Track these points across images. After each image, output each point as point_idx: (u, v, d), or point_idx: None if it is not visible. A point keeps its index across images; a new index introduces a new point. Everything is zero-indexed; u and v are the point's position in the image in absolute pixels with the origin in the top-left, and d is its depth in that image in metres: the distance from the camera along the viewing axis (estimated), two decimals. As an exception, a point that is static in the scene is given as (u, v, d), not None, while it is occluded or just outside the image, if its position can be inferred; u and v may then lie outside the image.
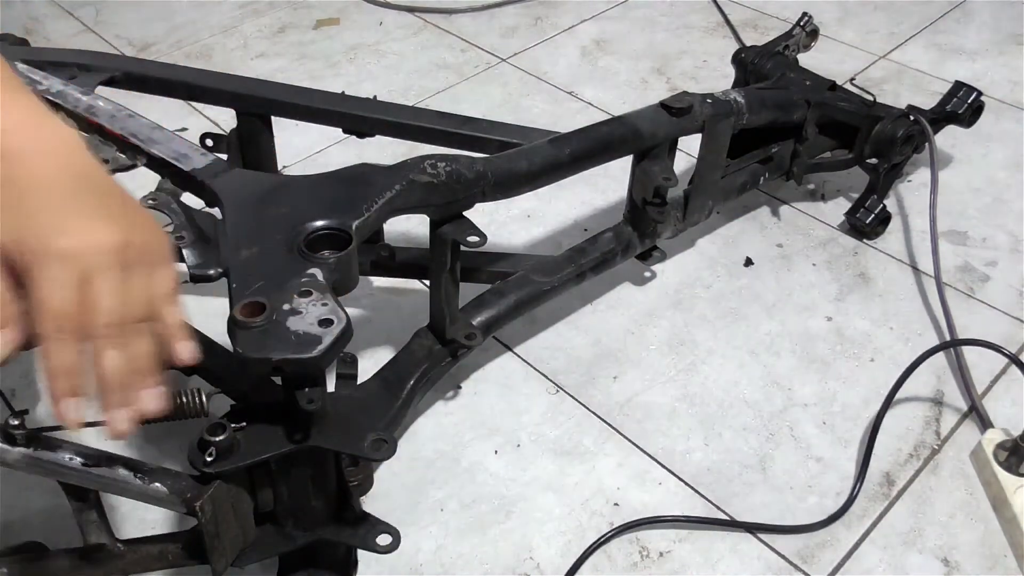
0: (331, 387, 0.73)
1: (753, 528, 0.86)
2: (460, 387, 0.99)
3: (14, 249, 0.45)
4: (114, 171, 0.86)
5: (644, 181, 0.97)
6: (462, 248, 0.83)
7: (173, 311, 0.51)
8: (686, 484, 0.90)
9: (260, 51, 1.57)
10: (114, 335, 0.48)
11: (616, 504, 0.88)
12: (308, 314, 0.60)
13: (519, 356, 1.03)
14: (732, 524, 0.86)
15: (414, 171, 0.78)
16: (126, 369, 0.49)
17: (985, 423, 0.93)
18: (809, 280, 1.12)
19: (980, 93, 1.17)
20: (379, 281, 1.09)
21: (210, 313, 0.82)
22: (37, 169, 0.46)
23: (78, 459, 0.62)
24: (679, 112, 0.96)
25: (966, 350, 1.00)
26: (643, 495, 0.89)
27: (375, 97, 1.03)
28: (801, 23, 1.26)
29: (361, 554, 0.81)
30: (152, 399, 0.51)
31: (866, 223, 1.15)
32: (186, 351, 0.52)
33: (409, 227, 1.04)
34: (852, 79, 1.43)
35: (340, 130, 1.02)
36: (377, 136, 1.00)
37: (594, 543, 0.84)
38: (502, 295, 0.94)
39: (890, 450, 0.92)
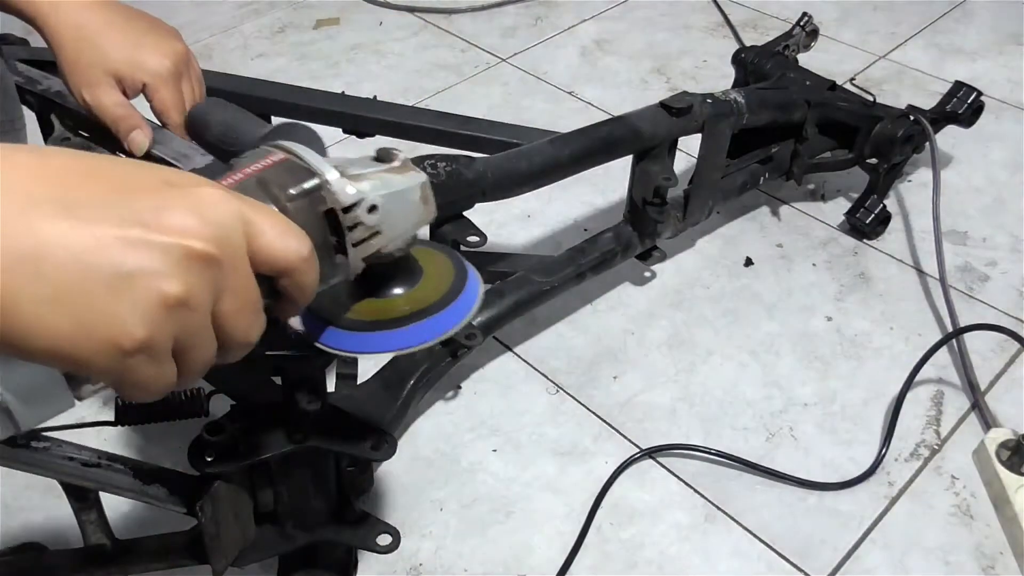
0: (331, 387, 0.73)
1: (782, 477, 0.89)
2: (460, 387, 0.99)
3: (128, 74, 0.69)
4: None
5: (644, 181, 0.97)
6: (462, 248, 0.83)
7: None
8: (686, 484, 0.90)
9: (260, 51, 1.58)
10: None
11: (616, 504, 0.88)
12: (308, 314, 0.60)
13: (519, 356, 1.03)
14: (757, 468, 0.89)
15: (414, 171, 0.78)
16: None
17: (988, 422, 0.93)
18: (809, 280, 1.12)
19: (980, 93, 1.17)
20: (379, 281, 1.09)
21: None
22: None
23: (78, 459, 0.62)
24: (679, 112, 0.96)
25: (969, 349, 1.00)
26: (643, 495, 0.89)
27: (375, 97, 1.03)
28: (801, 23, 1.26)
29: (361, 554, 0.81)
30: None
31: (866, 223, 1.15)
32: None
33: (409, 227, 1.03)
34: (852, 79, 1.43)
35: (340, 130, 1.02)
36: (377, 136, 1.00)
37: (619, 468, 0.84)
38: (502, 295, 0.94)
39: (891, 449, 0.92)
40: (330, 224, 0.43)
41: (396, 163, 0.47)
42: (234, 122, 0.70)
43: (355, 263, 0.45)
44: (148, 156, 0.70)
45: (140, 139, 0.71)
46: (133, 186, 0.34)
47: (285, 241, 0.38)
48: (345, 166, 0.45)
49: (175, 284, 0.33)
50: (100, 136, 0.76)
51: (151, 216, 0.33)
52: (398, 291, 0.51)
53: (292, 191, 0.42)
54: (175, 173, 0.36)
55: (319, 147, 0.59)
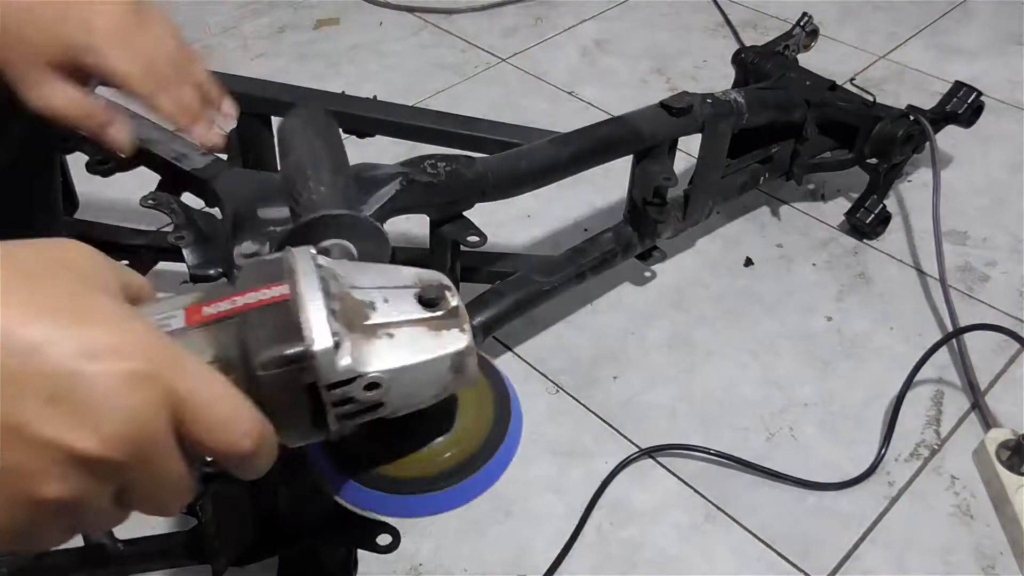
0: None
1: (782, 477, 0.89)
2: (460, 387, 0.99)
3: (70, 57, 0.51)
4: (114, 171, 0.86)
5: (644, 181, 0.97)
6: (462, 248, 0.83)
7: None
8: (686, 484, 0.90)
9: (260, 51, 1.57)
10: (178, 76, 0.56)
11: (616, 504, 0.88)
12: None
13: (519, 356, 1.03)
14: (757, 468, 0.90)
15: (414, 171, 0.78)
16: (199, 97, 0.58)
17: (988, 422, 0.93)
18: (809, 280, 1.12)
19: (980, 93, 1.17)
20: (379, 281, 1.09)
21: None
22: None
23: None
24: (679, 112, 0.96)
25: (969, 349, 1.00)
26: (643, 494, 0.89)
27: (375, 97, 1.03)
28: (801, 23, 1.26)
29: (361, 554, 0.81)
30: (229, 106, 0.61)
31: (866, 223, 1.15)
32: (228, 105, 0.61)
33: (409, 227, 1.04)
34: (852, 79, 1.43)
35: (340, 130, 1.02)
36: (377, 136, 1.00)
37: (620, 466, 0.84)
38: (502, 295, 0.94)
39: (891, 449, 0.92)
40: (312, 395, 0.35)
41: (439, 312, 0.38)
42: (302, 171, 0.58)
43: (341, 432, 0.37)
44: (149, 156, 0.68)
45: (120, 137, 0.56)
46: (21, 376, 0.27)
47: (226, 432, 0.31)
48: (357, 313, 0.36)
49: (53, 487, 0.28)
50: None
51: (32, 415, 0.27)
52: (436, 439, 0.43)
53: (266, 355, 0.34)
54: (92, 341, 0.28)
55: (378, 252, 0.51)
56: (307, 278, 0.35)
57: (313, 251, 0.37)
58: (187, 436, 0.31)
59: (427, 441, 0.44)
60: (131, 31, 0.53)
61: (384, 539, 0.71)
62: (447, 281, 0.40)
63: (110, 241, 0.98)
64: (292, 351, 0.34)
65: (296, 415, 0.35)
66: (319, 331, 0.34)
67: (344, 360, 0.34)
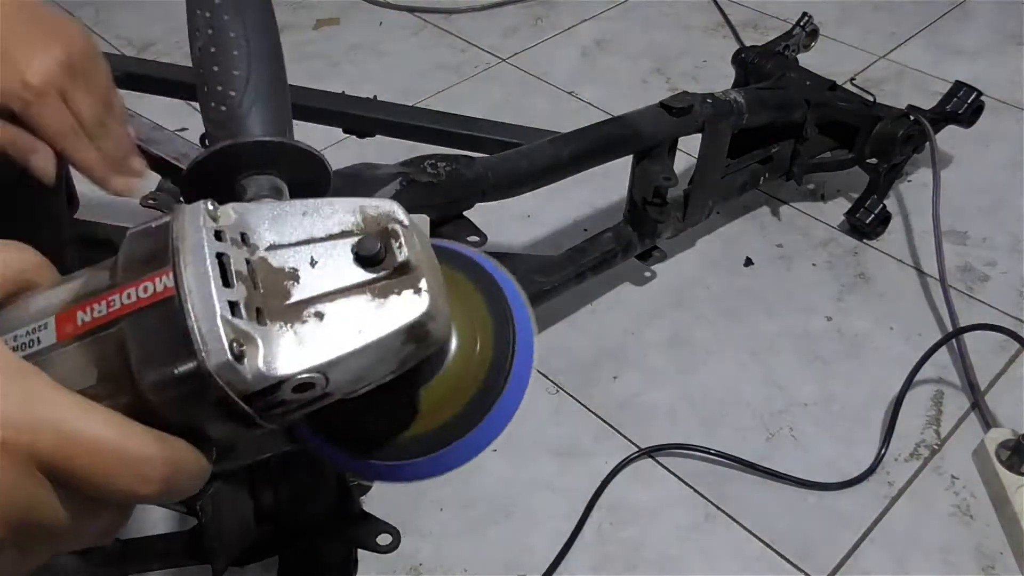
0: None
1: (782, 477, 0.89)
2: (460, 387, 0.99)
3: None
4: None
5: (644, 181, 0.98)
6: (462, 248, 0.83)
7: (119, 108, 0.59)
8: (686, 484, 0.90)
9: (260, 51, 1.57)
10: (100, 132, 0.56)
11: (616, 504, 0.88)
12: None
13: (519, 356, 1.03)
14: (757, 468, 0.89)
15: (414, 171, 0.78)
16: (117, 152, 0.58)
17: (988, 422, 0.93)
18: (809, 280, 1.12)
19: (980, 93, 1.16)
20: (379, 281, 1.09)
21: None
22: None
23: (78, 459, 0.62)
24: (679, 112, 0.96)
25: (969, 349, 1.00)
26: (643, 494, 0.89)
27: (375, 97, 1.03)
28: (801, 23, 1.26)
29: (361, 554, 0.81)
30: (139, 163, 0.61)
31: (866, 223, 1.15)
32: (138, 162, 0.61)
33: (409, 227, 1.04)
34: (852, 79, 1.43)
35: (340, 130, 1.02)
36: (377, 136, 1.00)
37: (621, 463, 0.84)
38: (502, 295, 0.94)
39: (890, 449, 0.92)
40: (229, 405, 0.27)
41: (382, 272, 0.29)
42: (208, 68, 0.45)
43: (285, 424, 0.30)
44: (149, 156, 0.67)
45: (42, 166, 0.55)
46: None
47: (117, 481, 0.25)
48: (275, 290, 0.28)
49: None
50: None
51: None
52: (439, 371, 0.36)
53: (151, 377, 0.26)
54: None
55: (316, 179, 0.41)
56: (194, 260, 0.27)
57: (210, 206, 0.29)
58: (79, 488, 0.25)
59: (429, 379, 0.35)
60: (63, 89, 0.54)
61: (384, 539, 0.71)
62: (398, 214, 0.30)
63: (110, 241, 0.98)
64: (182, 370, 0.26)
65: (217, 427, 0.28)
66: (211, 341, 0.26)
67: (254, 370, 0.26)
